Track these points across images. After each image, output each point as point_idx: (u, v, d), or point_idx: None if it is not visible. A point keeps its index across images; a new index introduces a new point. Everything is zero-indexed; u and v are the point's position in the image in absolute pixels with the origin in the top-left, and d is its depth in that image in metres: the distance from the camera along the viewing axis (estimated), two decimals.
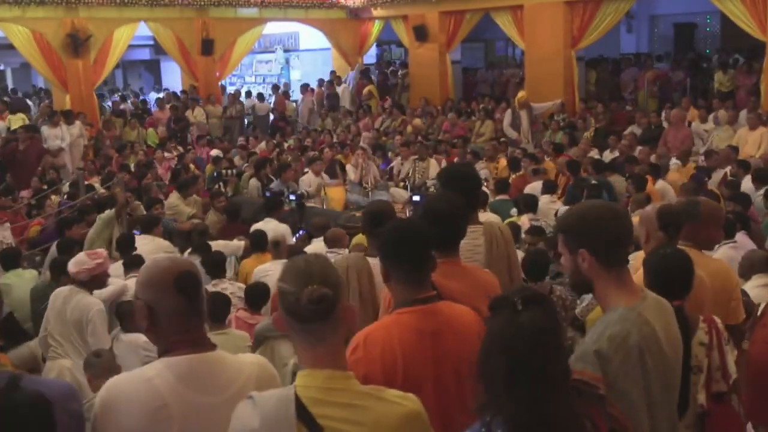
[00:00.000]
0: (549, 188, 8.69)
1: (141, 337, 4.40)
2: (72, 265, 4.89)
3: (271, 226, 7.63)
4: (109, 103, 17.91)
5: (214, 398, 1.99)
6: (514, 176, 10.02)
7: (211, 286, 5.86)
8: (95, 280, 4.91)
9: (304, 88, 17.88)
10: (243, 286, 6.12)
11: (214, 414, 1.98)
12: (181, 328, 2.04)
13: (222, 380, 2.02)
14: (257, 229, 7.25)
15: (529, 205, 7.84)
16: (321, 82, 18.15)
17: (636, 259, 3.24)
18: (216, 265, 6.04)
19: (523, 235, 6.88)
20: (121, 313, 4.98)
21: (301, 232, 7.75)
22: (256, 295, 5.42)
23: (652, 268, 2.71)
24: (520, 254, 6.00)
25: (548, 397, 1.77)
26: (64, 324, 4.78)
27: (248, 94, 18.04)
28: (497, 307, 1.85)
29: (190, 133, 14.94)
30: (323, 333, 1.82)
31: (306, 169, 11.09)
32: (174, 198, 9.53)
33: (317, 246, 6.51)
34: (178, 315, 2.02)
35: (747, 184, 8.17)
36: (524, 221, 7.46)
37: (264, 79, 20.18)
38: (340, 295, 1.83)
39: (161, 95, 18.36)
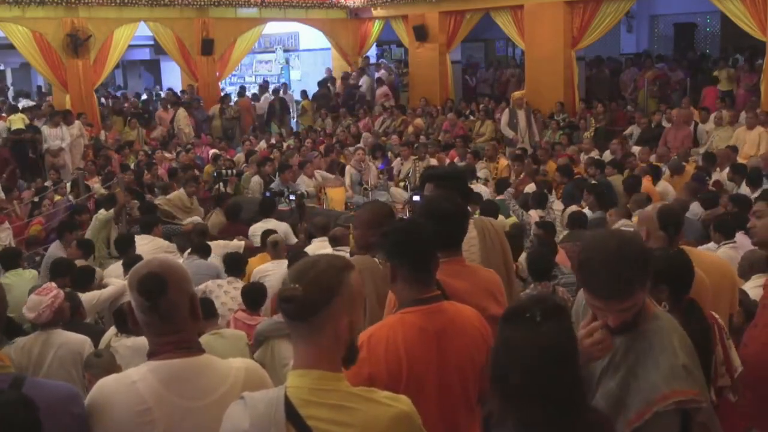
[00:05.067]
0: (543, 187, 8.69)
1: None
2: (30, 311, 4.31)
3: (271, 226, 7.66)
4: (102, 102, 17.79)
5: (197, 402, 2.00)
6: (518, 178, 10.03)
7: (226, 284, 5.90)
8: (59, 315, 4.38)
9: (242, 91, 17.78)
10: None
11: (198, 418, 1.99)
12: (154, 331, 2.04)
13: (205, 385, 2.02)
14: (268, 229, 7.25)
15: (538, 201, 7.92)
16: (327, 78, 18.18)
17: None
18: (235, 264, 6.20)
19: (533, 231, 6.93)
20: (119, 316, 4.96)
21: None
22: (253, 295, 5.42)
23: (662, 267, 2.68)
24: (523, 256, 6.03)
25: (565, 418, 1.79)
26: (48, 373, 4.19)
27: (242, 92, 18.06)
28: (515, 318, 1.83)
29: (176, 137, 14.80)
30: (305, 333, 1.82)
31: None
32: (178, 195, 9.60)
33: (317, 246, 6.52)
34: (146, 316, 2.03)
35: (742, 186, 8.17)
36: (533, 215, 7.52)
37: (264, 79, 20.16)
38: (324, 299, 1.79)
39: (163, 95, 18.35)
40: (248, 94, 17.73)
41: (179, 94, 17.14)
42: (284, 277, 1.88)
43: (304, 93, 17.87)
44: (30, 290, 5.86)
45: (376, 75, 17.96)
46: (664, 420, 2.05)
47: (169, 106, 15.99)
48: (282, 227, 8.03)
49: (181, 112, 15.21)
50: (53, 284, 4.62)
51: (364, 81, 17.68)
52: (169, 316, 2.02)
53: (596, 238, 2.21)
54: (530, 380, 1.75)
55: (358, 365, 2.21)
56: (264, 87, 18.49)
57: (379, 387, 1.97)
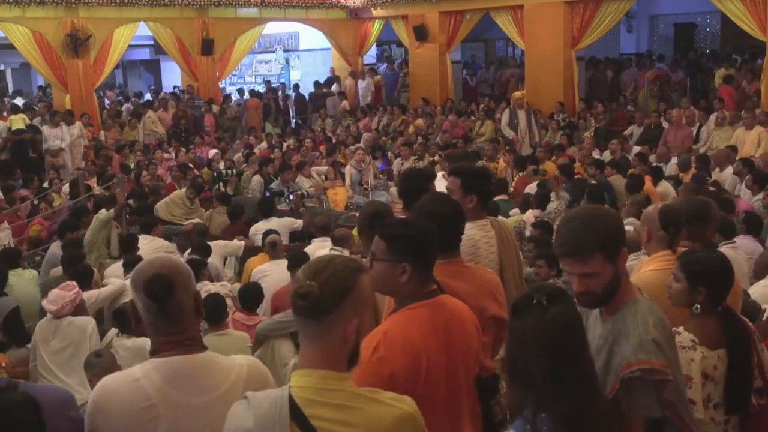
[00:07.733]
0: (545, 188, 8.68)
1: (148, 342, 4.36)
2: (52, 304, 4.84)
3: (272, 225, 7.69)
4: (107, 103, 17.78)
5: (201, 399, 2.00)
6: (517, 177, 10.03)
7: (220, 286, 5.88)
8: (78, 309, 4.93)
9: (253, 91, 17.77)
10: (227, 284, 6.14)
11: (202, 415, 1.99)
12: (160, 331, 2.04)
13: (209, 382, 2.02)
14: (270, 229, 7.25)
15: (540, 201, 7.89)
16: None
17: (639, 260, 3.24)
18: (193, 269, 6.00)
19: (528, 231, 6.91)
20: (119, 316, 4.96)
21: None
22: (249, 295, 5.42)
23: (702, 269, 2.62)
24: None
25: (592, 394, 1.87)
26: (59, 353, 4.78)
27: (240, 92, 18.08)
28: (524, 307, 1.90)
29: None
30: (315, 332, 1.81)
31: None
32: (179, 195, 9.58)
33: (317, 246, 6.52)
34: (152, 317, 2.03)
35: (742, 189, 8.14)
36: (529, 216, 7.50)
37: (264, 79, 20.17)
38: (338, 299, 1.80)
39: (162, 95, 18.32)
40: (233, 97, 17.69)
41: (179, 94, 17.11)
42: (298, 274, 1.86)
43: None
44: (40, 285, 6.11)
45: (362, 82, 17.86)
46: (632, 388, 2.10)
47: (168, 107, 15.99)
48: (285, 223, 8.06)
49: (150, 114, 15.18)
50: (74, 282, 5.11)
51: (334, 89, 17.68)
52: (176, 317, 2.02)
53: (576, 209, 2.38)
54: (552, 363, 1.82)
55: (378, 365, 2.19)
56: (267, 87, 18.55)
57: (399, 385, 1.97)
